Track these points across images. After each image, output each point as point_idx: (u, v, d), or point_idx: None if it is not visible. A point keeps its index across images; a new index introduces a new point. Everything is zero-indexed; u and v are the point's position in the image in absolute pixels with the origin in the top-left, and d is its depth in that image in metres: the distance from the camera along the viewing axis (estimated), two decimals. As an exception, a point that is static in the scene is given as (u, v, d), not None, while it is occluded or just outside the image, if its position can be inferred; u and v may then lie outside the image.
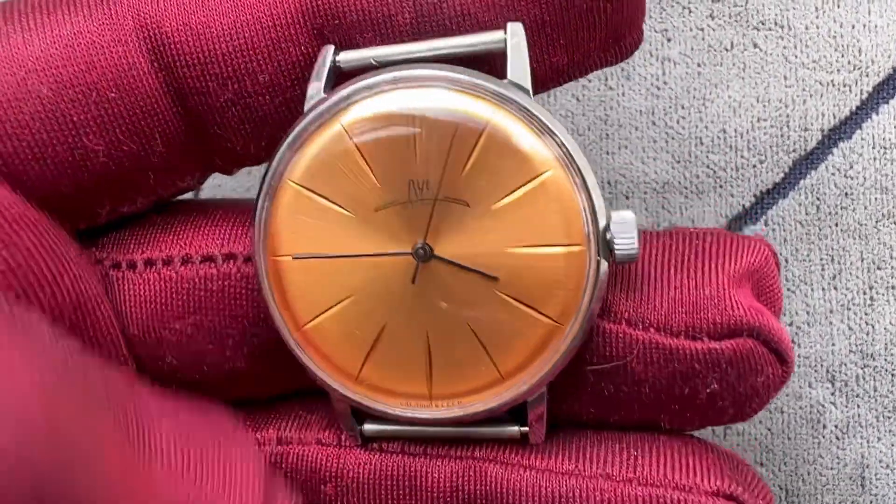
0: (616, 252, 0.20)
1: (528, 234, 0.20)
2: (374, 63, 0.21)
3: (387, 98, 0.21)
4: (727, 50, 0.30)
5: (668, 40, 0.30)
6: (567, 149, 0.20)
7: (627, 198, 0.30)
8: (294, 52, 0.22)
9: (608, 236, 0.20)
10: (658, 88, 0.30)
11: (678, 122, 0.30)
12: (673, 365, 0.21)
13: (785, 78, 0.30)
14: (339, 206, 0.21)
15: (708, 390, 0.21)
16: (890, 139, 0.29)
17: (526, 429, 0.22)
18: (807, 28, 0.30)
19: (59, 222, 0.22)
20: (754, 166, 0.30)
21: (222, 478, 0.20)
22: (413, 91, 0.21)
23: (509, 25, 0.21)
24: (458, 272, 0.21)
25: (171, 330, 0.23)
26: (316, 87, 0.21)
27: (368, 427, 0.23)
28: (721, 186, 0.30)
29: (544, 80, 0.22)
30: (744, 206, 0.30)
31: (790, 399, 0.29)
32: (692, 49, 0.30)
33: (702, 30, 0.30)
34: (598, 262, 0.21)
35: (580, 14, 0.21)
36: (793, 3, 0.30)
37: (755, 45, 0.30)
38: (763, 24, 0.30)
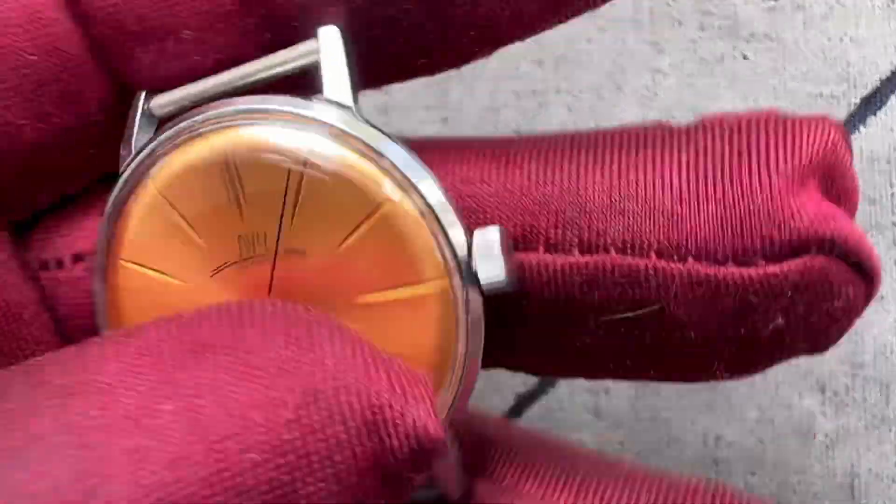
0: (481, 283, 0.17)
1: (379, 276, 0.18)
2: (187, 104, 0.19)
3: (194, 146, 0.18)
4: (718, 62, 0.30)
5: (660, 52, 0.30)
6: (400, 168, 0.18)
7: (619, 208, 0.30)
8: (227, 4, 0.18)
9: (472, 262, 0.17)
10: (649, 99, 0.30)
11: (669, 132, 0.30)
12: (722, 300, 0.16)
13: (774, 89, 0.30)
14: (172, 277, 0.19)
15: (771, 326, 0.16)
16: (878, 151, 0.30)
17: (437, 490, 0.20)
18: (796, 41, 0.30)
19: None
20: (744, 177, 0.30)
21: None
22: (222, 134, 0.18)
23: (321, 31, 0.18)
24: None
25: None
26: (127, 148, 0.19)
27: None
28: (712, 197, 0.30)
29: (529, 16, 0.18)
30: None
31: (780, 409, 0.29)
32: (683, 61, 0.30)
33: (693, 42, 0.30)
34: (466, 295, 0.18)
35: None
36: (782, 17, 0.30)
37: (745, 57, 0.30)
38: (753, 36, 0.30)
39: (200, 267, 0.18)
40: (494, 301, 0.18)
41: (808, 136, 0.17)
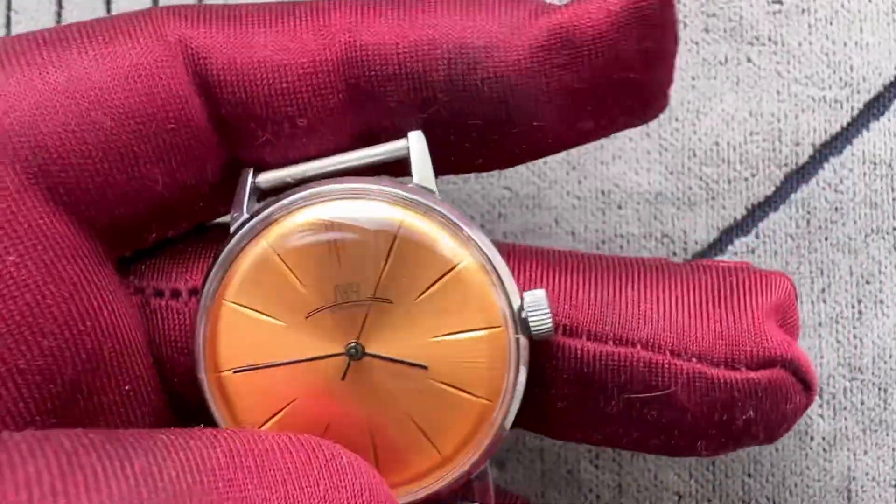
0: (532, 329, 0.22)
1: (450, 322, 0.22)
2: (290, 181, 0.23)
3: (306, 213, 0.22)
4: (721, 64, 0.30)
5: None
6: (474, 241, 0.22)
7: (620, 207, 0.30)
8: (333, 98, 0.22)
9: (524, 315, 0.22)
10: (653, 100, 0.30)
11: (672, 133, 0.30)
12: (714, 393, 0.22)
13: (778, 93, 0.30)
14: (272, 318, 0.22)
15: (744, 417, 0.22)
16: (880, 155, 0.30)
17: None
18: (800, 44, 0.30)
19: (106, 250, 0.23)
20: (746, 179, 0.30)
21: None
22: (329, 204, 0.22)
23: (410, 134, 0.23)
24: (389, 366, 0.22)
25: None
26: (238, 211, 0.23)
27: None
28: (713, 198, 0.30)
29: (568, 142, 0.23)
30: (735, 218, 0.30)
31: (778, 411, 0.29)
32: (687, 62, 0.30)
33: (696, 43, 0.30)
34: (518, 340, 0.22)
35: (611, 85, 0.22)
36: (787, 20, 0.30)
37: (749, 60, 0.30)
38: (757, 39, 0.30)
39: (298, 310, 0.22)
40: (537, 375, 0.23)
41: (775, 285, 0.23)
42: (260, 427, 0.22)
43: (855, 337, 0.29)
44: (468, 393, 0.22)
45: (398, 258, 0.22)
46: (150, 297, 0.23)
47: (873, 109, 0.30)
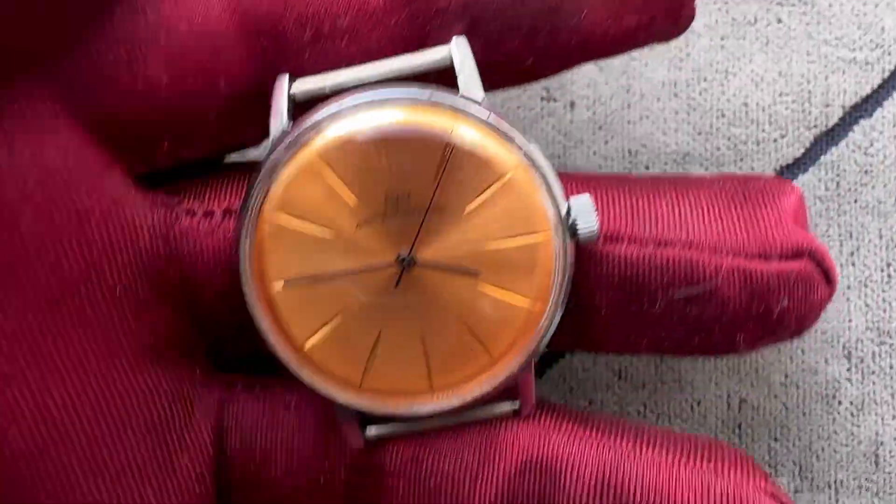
0: (580, 233, 0.22)
1: (501, 228, 0.22)
2: (327, 91, 0.23)
3: (354, 120, 0.22)
4: (751, 24, 0.30)
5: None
6: (524, 148, 0.22)
7: (647, 168, 0.30)
8: (374, 1, 0.22)
9: (571, 220, 0.22)
10: (681, 60, 0.30)
11: (700, 94, 0.30)
12: (752, 284, 0.23)
13: (808, 53, 0.30)
14: (321, 228, 0.22)
15: (779, 307, 0.23)
16: (911, 118, 0.29)
17: (517, 403, 0.24)
18: (830, 5, 0.30)
19: (116, 157, 0.23)
20: (775, 140, 0.30)
21: None
22: (376, 112, 0.22)
23: (454, 39, 0.23)
24: (441, 274, 0.22)
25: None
26: (279, 121, 0.23)
27: (371, 432, 0.24)
28: (741, 160, 0.30)
29: (614, 40, 0.24)
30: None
31: (805, 374, 0.29)
32: (716, 22, 0.30)
33: (726, 3, 0.30)
34: (565, 244, 0.23)
35: None
36: (817, -20, 0.30)
37: (779, 20, 0.30)
38: (787, -1, 0.30)
39: (348, 220, 0.22)
40: (582, 284, 0.23)
41: (790, 190, 0.24)
42: (308, 339, 0.22)
43: (884, 301, 0.29)
44: (518, 295, 0.22)
45: (449, 167, 0.22)
46: (181, 216, 0.23)
47: (904, 71, 0.30)
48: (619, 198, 0.24)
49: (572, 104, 0.30)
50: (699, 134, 0.30)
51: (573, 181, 0.24)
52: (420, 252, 0.22)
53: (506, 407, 0.24)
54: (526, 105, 0.30)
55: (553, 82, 0.30)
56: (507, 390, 0.23)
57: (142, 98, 0.22)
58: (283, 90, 0.23)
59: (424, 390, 0.23)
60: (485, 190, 0.22)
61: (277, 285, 0.22)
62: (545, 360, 0.29)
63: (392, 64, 0.23)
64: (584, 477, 0.23)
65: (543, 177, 0.22)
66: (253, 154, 0.26)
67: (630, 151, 0.30)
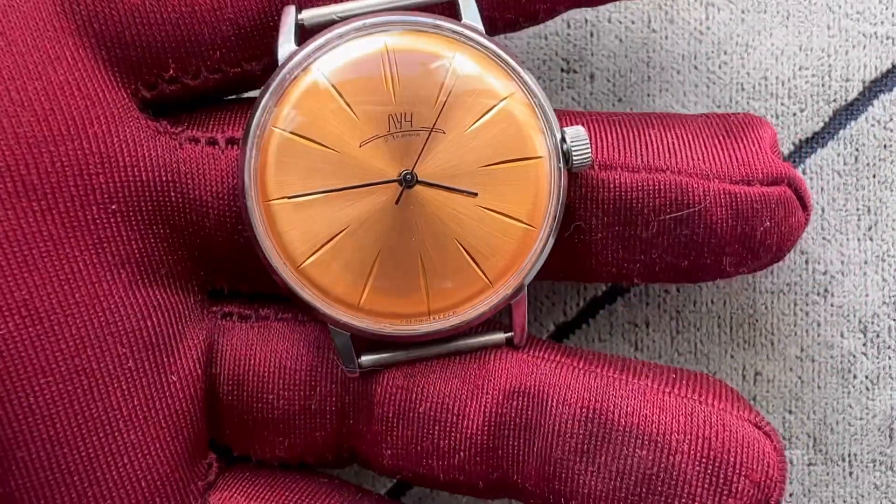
0: (574, 160, 0.23)
1: (499, 151, 0.23)
2: (336, 18, 0.23)
3: (359, 43, 0.23)
4: (772, -3, 0.30)
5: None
6: (522, 77, 0.23)
7: (667, 140, 0.30)
8: None
9: (565, 148, 0.23)
10: (701, 33, 0.30)
11: (720, 67, 0.30)
12: (738, 206, 0.24)
13: (828, 27, 0.30)
14: (325, 146, 0.23)
15: (762, 228, 0.24)
16: (931, 93, 0.29)
17: (510, 334, 0.25)
18: (852, -21, 0.30)
19: (120, 81, 0.23)
20: (794, 114, 0.30)
21: None
22: (381, 36, 0.23)
23: None
24: (441, 193, 0.23)
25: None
26: (287, 44, 0.23)
27: (365, 359, 0.24)
28: (760, 133, 0.30)
29: None
30: (783, 153, 0.30)
31: (821, 348, 0.29)
32: (737, -5, 0.30)
33: (747, -24, 0.30)
34: (560, 171, 0.23)
35: None
36: (839, -46, 0.30)
37: (800, -6, 0.30)
38: (809, -28, 0.30)
39: (352, 138, 0.23)
40: (579, 210, 0.24)
41: (766, 125, 0.26)
42: (309, 256, 0.23)
43: (901, 275, 0.29)
44: (513, 218, 0.23)
45: (451, 90, 0.23)
46: (184, 143, 0.24)
47: (925, 46, 0.29)
48: (611, 129, 0.25)
49: (592, 76, 0.30)
50: (718, 107, 0.30)
51: (567, 115, 0.25)
52: (421, 171, 0.23)
53: (498, 336, 0.24)
54: (546, 76, 0.30)
55: (573, 54, 0.30)
56: (500, 320, 0.24)
57: (149, 17, 0.23)
58: (291, 17, 0.23)
59: (421, 313, 0.23)
60: (483, 114, 0.23)
61: (280, 201, 0.23)
62: (562, 331, 0.30)
63: None
64: (569, 403, 0.23)
65: (540, 105, 0.23)
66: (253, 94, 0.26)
67: (649, 124, 0.30)
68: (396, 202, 0.23)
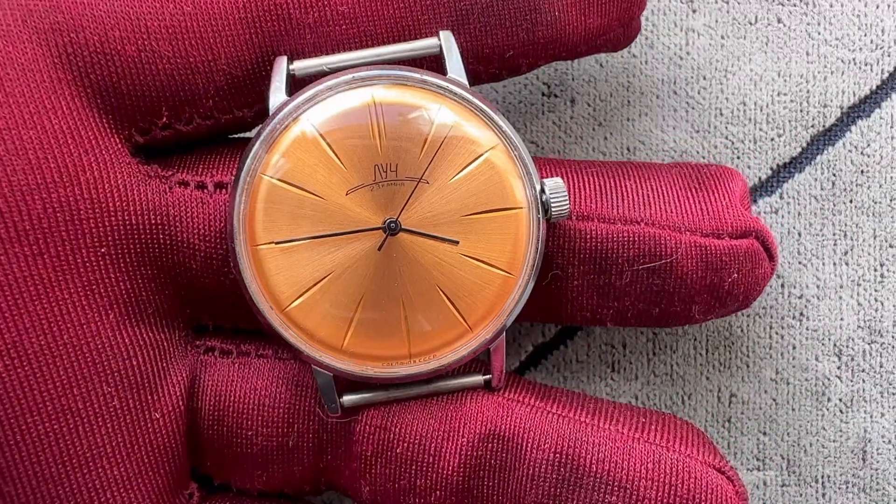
0: (552, 211, 0.24)
1: (481, 201, 0.24)
2: (326, 70, 0.24)
3: (347, 95, 0.24)
4: (751, 23, 0.30)
5: (693, 11, 0.30)
6: (504, 130, 0.24)
7: (645, 165, 0.30)
8: None
9: (544, 199, 0.24)
10: (681, 59, 0.30)
11: (699, 92, 0.30)
12: (707, 259, 0.25)
13: (807, 54, 0.30)
14: (312, 194, 0.24)
15: (730, 279, 0.25)
16: (908, 119, 0.30)
17: (489, 376, 0.25)
18: (831, 5, 0.30)
19: (114, 127, 0.24)
20: (772, 139, 0.30)
21: None
22: (369, 89, 0.24)
23: (441, 33, 0.24)
24: (424, 241, 0.24)
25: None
26: (278, 93, 0.24)
27: (347, 398, 0.25)
28: (738, 158, 0.30)
29: (580, 41, 0.26)
30: (760, 178, 0.30)
31: (796, 371, 0.30)
32: (716, 21, 0.30)
33: (727, 2, 0.30)
34: (539, 221, 0.24)
35: None
36: (819, -19, 0.30)
37: (779, 20, 0.30)
38: (788, -1, 0.30)
39: (339, 187, 0.24)
40: (556, 259, 0.25)
41: (737, 177, 0.27)
42: (294, 300, 0.24)
43: (876, 300, 0.30)
44: (493, 266, 0.24)
45: (435, 142, 0.24)
46: (173, 186, 0.25)
47: (903, 73, 0.30)
48: (588, 179, 0.26)
49: (573, 100, 0.30)
50: (697, 132, 0.30)
51: (546, 164, 0.26)
52: (404, 220, 0.24)
53: (477, 378, 0.25)
54: (527, 100, 0.30)
55: (554, 78, 0.30)
56: (479, 362, 0.25)
57: (144, 68, 0.24)
58: (283, 68, 0.24)
59: (402, 356, 0.24)
60: (467, 165, 0.24)
61: (268, 246, 0.24)
62: (540, 351, 0.30)
63: (387, 49, 0.24)
64: (543, 448, 0.24)
65: (521, 157, 0.24)
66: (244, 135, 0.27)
67: (629, 148, 0.30)
68: (379, 249, 0.24)
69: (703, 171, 0.27)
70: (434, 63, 0.25)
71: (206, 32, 0.24)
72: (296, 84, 0.24)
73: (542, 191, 0.24)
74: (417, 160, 0.24)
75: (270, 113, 0.24)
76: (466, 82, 0.24)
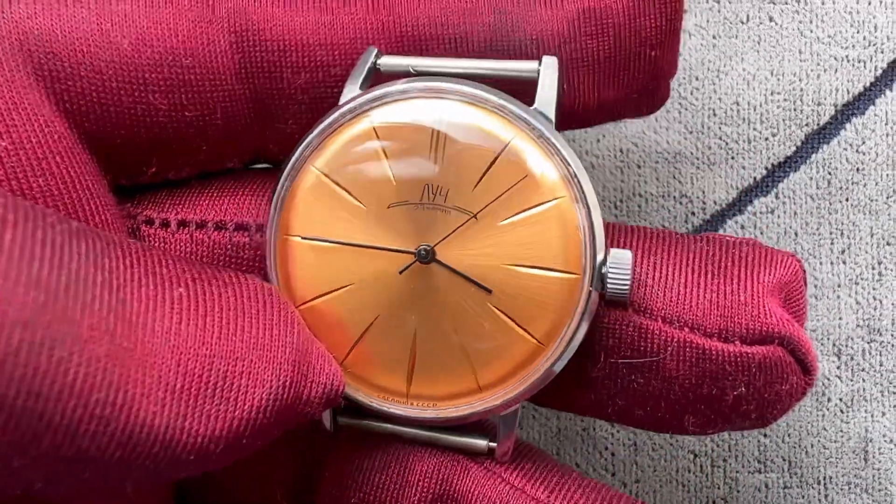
0: (608, 289, 0.21)
1: (529, 254, 0.21)
2: (411, 70, 0.22)
3: (417, 105, 0.22)
4: (743, 23, 0.30)
5: (685, 11, 0.30)
6: (579, 182, 0.21)
7: (639, 167, 0.30)
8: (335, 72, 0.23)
9: (603, 271, 0.21)
10: (673, 59, 0.30)
11: (692, 93, 0.30)
12: (704, 365, 0.21)
13: (800, 52, 0.30)
14: (355, 198, 0.22)
15: (735, 393, 0.21)
16: (903, 116, 0.29)
17: (494, 444, 0.23)
18: (823, 3, 0.30)
19: (103, 170, 0.23)
20: (766, 139, 0.30)
21: (254, 320, 0.20)
22: (443, 102, 0.22)
23: (545, 58, 0.22)
24: (455, 279, 0.21)
25: None
26: (353, 85, 0.22)
27: (344, 420, 0.23)
28: (733, 158, 0.30)
29: (588, 114, 0.24)
30: (755, 178, 0.30)
31: (796, 371, 0.29)
32: (708, 21, 0.30)
33: (718, 2, 0.30)
34: (590, 293, 0.21)
35: (630, 56, 0.23)
36: (810, -22, 0.30)
37: (771, 19, 0.30)
38: (779, -3, 0.30)
39: (383, 198, 0.22)
40: None
41: (782, 264, 0.22)
42: (310, 300, 0.22)
43: (875, 298, 0.29)
44: (525, 330, 0.21)
45: (495, 176, 0.21)
46: (140, 225, 0.24)
47: (897, 69, 0.30)
48: None
49: (564, 103, 0.30)
50: (690, 132, 0.30)
51: None
52: (441, 251, 0.22)
53: (481, 443, 0.23)
54: (519, 104, 0.30)
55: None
56: (489, 426, 0.23)
57: (138, 120, 0.23)
58: (369, 59, 0.23)
59: (399, 393, 0.22)
60: (525, 210, 0.21)
61: (297, 239, 0.22)
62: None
63: (480, 63, 0.22)
64: None
65: (589, 216, 0.21)
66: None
67: (622, 150, 0.30)
68: (401, 272, 0.22)
69: (733, 250, 0.22)
70: (525, 90, 0.22)
71: (203, 87, 0.23)
72: (377, 80, 0.23)
73: (604, 261, 0.21)
74: (471, 191, 0.21)
75: (340, 102, 0.22)
76: (553, 117, 0.22)
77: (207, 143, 0.24)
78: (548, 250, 0.21)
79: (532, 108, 0.22)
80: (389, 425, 0.23)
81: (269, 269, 0.23)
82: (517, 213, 0.21)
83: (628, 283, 0.21)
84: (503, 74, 0.22)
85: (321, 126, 0.22)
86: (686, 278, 0.22)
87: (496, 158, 0.21)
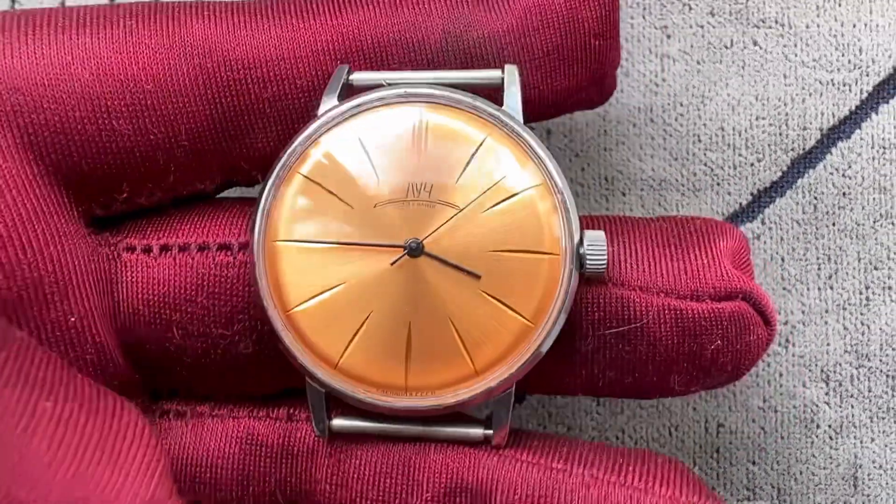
0: (587, 266, 0.23)
1: (512, 239, 0.23)
2: (384, 84, 0.24)
3: (395, 110, 0.23)
4: (727, 48, 0.30)
5: (668, 37, 0.30)
6: (550, 171, 0.23)
7: (624, 194, 0.30)
8: (332, 67, 0.24)
9: (581, 251, 0.23)
10: (657, 85, 0.30)
11: (676, 119, 0.30)
12: (684, 324, 0.23)
13: (784, 76, 0.29)
14: (341, 200, 0.23)
15: (713, 346, 0.23)
16: (889, 139, 0.29)
17: (490, 431, 0.24)
18: (807, 26, 0.29)
19: (74, 202, 0.24)
20: (752, 164, 0.30)
21: (106, 463, 0.21)
22: (420, 107, 0.23)
23: (507, 66, 0.24)
24: (444, 269, 0.23)
25: (183, 313, 0.24)
26: (330, 97, 0.24)
27: (336, 423, 0.24)
28: (718, 184, 0.30)
29: (544, 108, 0.25)
30: (741, 204, 0.29)
31: (784, 398, 0.29)
32: (692, 46, 0.30)
33: (702, 27, 0.30)
34: (571, 272, 0.23)
35: (576, 46, 0.25)
36: (794, 2, 0.29)
37: (755, 43, 0.30)
38: (763, 21, 0.30)
39: (370, 198, 0.23)
40: None
41: (730, 233, 0.25)
42: (303, 303, 0.23)
43: (862, 324, 0.29)
44: (514, 311, 0.23)
45: (476, 170, 0.23)
46: (121, 252, 0.24)
47: (882, 92, 0.29)
48: None
49: (549, 132, 0.30)
50: (675, 159, 0.30)
51: None
52: (429, 244, 0.23)
53: (476, 431, 0.24)
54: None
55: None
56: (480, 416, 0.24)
57: (104, 147, 0.23)
58: (342, 75, 0.24)
59: (398, 387, 0.23)
60: (505, 199, 0.23)
61: (286, 243, 0.23)
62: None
63: (448, 74, 0.24)
64: (513, 500, 0.23)
65: (563, 202, 0.23)
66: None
67: (607, 178, 0.30)
68: (392, 264, 0.23)
69: (688, 225, 0.25)
70: (493, 94, 0.24)
71: (167, 109, 0.23)
72: (350, 94, 0.24)
73: (581, 242, 0.23)
74: (453, 185, 0.23)
75: (319, 113, 0.24)
76: (521, 117, 0.24)
77: (175, 164, 0.24)
78: (529, 234, 0.23)
79: (501, 108, 0.24)
80: (384, 425, 0.24)
81: (257, 276, 0.23)
82: (498, 203, 0.23)
83: (605, 258, 0.23)
84: (470, 82, 0.24)
85: (304, 134, 0.23)
86: (654, 251, 0.24)
87: (474, 153, 0.23)
